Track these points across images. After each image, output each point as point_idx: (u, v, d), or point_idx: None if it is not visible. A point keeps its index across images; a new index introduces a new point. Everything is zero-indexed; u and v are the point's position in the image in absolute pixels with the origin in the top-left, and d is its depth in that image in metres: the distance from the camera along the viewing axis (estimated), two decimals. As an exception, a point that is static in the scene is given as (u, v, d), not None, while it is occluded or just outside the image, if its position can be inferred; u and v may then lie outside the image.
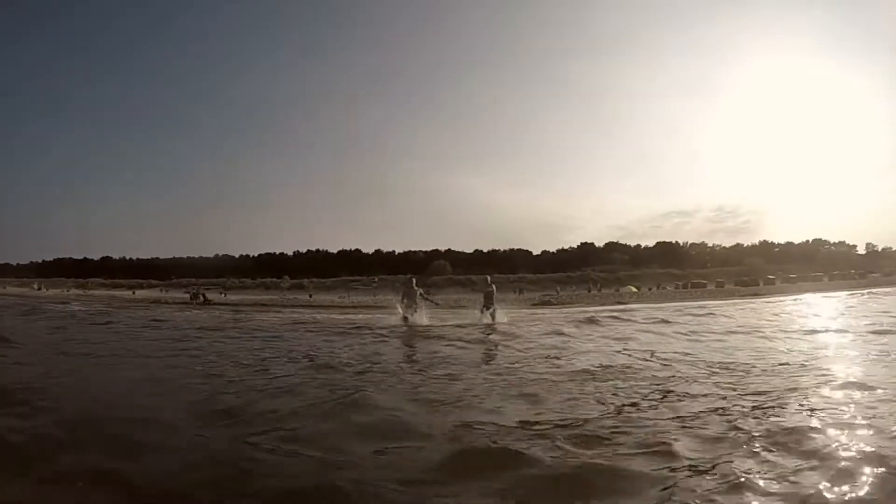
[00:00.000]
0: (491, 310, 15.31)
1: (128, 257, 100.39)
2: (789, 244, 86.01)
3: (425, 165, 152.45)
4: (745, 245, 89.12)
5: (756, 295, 35.51)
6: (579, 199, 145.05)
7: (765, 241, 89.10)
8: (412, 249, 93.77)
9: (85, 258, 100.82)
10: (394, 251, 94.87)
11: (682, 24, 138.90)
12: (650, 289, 53.45)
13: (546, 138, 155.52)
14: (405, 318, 14.20)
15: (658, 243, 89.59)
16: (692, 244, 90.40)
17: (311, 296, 53.90)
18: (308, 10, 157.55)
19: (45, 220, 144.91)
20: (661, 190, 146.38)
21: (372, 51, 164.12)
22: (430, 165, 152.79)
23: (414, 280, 15.05)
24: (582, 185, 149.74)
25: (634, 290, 50.80)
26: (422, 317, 14.31)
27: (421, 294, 15.04)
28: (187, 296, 52.46)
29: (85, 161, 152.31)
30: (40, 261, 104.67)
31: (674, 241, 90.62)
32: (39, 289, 67.31)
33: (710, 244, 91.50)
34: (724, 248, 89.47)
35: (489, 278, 16.20)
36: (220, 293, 45.99)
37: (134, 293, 59.57)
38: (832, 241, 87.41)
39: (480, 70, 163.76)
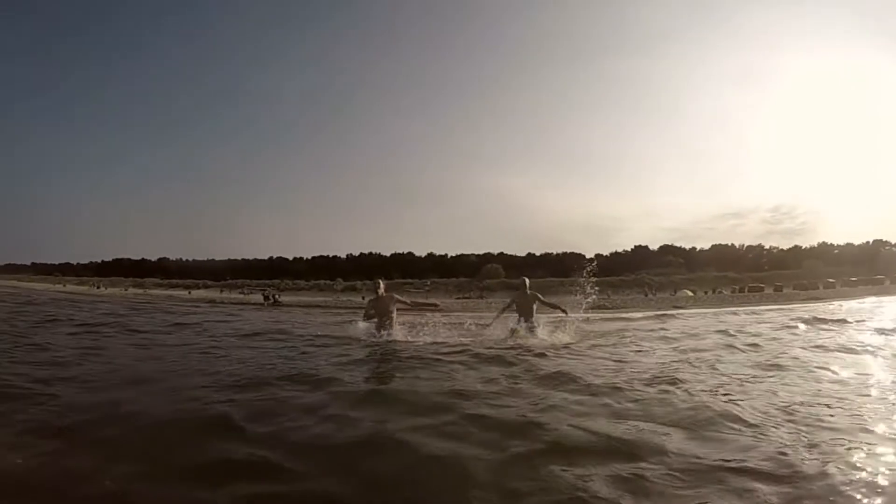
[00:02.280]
0: (529, 324, 10.35)
1: (184, 258, 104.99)
2: (849, 245, 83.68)
3: (477, 167, 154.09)
4: (803, 247, 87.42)
5: (815, 299, 35.17)
6: (631, 201, 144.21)
7: (823, 242, 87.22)
8: (464, 252, 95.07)
9: (143, 259, 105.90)
10: (446, 254, 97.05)
11: (730, 12, 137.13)
12: (706, 293, 52.74)
13: (597, 138, 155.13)
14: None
15: (713, 246, 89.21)
16: (748, 247, 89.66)
17: (363, 297, 55.48)
18: (355, 8, 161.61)
19: (104, 223, 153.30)
20: (714, 190, 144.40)
21: (421, 51, 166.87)
22: (482, 167, 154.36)
23: (381, 283, 9.77)
24: (634, 187, 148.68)
25: (690, 293, 50.39)
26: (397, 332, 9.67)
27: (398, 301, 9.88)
28: (242, 295, 55.69)
29: (150, 168, 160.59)
30: (99, 261, 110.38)
31: (729, 244, 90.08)
32: (98, 288, 71.07)
33: (766, 246, 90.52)
34: (782, 250, 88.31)
35: (528, 281, 10.93)
36: (276, 295, 48.64)
37: (190, 293, 62.01)
38: (894, 243, 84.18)
39: (530, 70, 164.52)
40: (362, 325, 9.85)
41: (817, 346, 8.65)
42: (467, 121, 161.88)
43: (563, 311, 10.78)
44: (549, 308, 10.90)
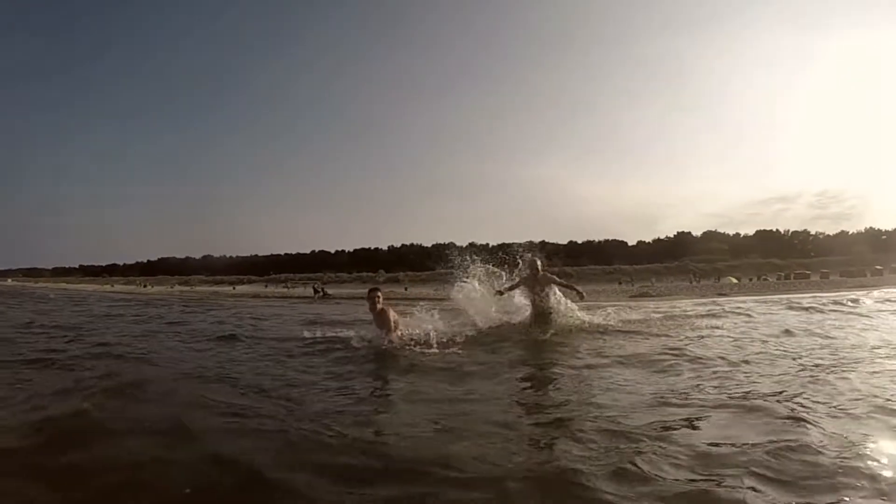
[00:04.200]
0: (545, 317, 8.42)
1: (228, 255, 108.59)
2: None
3: (516, 158, 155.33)
4: (851, 232, 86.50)
5: (862, 286, 34.23)
6: (673, 187, 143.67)
7: (871, 227, 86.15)
8: (506, 242, 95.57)
9: (187, 257, 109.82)
10: (487, 244, 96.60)
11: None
12: (751, 279, 52.78)
13: (636, 124, 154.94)
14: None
15: (758, 231, 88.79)
16: (794, 232, 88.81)
17: (406, 289, 57.09)
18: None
19: (149, 225, 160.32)
20: (758, 174, 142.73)
21: (458, 45, 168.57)
22: (521, 157, 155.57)
23: (380, 294, 7.82)
24: (675, 172, 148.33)
25: (735, 280, 50.59)
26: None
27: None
28: (286, 289, 57.74)
29: (206, 167, 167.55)
30: (145, 261, 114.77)
31: (774, 230, 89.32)
32: (145, 286, 74.20)
33: (812, 232, 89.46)
34: (828, 235, 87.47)
35: (539, 262, 8.55)
36: (324, 288, 50.03)
37: (234, 288, 64.49)
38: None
39: (565, 56, 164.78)
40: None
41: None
42: (504, 112, 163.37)
43: (578, 292, 9.00)
44: (568, 291, 9.05)
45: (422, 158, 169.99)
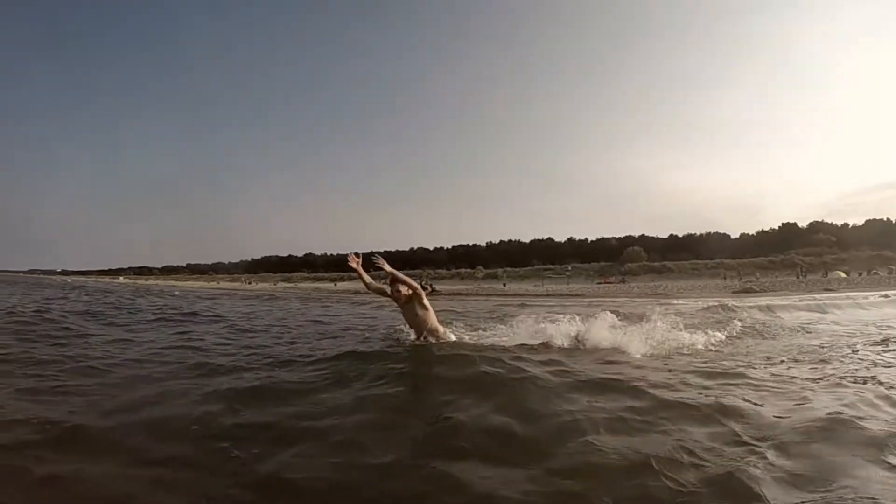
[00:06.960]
0: None
1: (328, 253, 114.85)
2: None
3: (613, 150, 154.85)
4: (971, 221, 79.89)
5: None
6: (775, 175, 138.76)
7: None
8: (605, 236, 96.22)
9: (290, 255, 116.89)
10: (586, 239, 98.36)
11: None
12: (860, 274, 51.62)
13: (732, 109, 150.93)
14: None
15: (867, 221, 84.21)
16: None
17: (504, 285, 59.77)
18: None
19: (256, 225, 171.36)
20: (866, 159, 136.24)
21: (553, 37, 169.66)
22: (618, 149, 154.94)
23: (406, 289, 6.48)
24: (777, 159, 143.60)
25: (843, 275, 49.98)
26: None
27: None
28: (385, 286, 60.87)
29: (299, 171, 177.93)
30: (249, 259, 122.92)
31: (885, 219, 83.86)
32: (249, 283, 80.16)
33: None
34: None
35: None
36: (431, 283, 52.06)
37: (335, 285, 69.00)
38: None
39: (660, 40, 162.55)
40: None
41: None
42: (600, 104, 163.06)
43: None
44: None
45: (518, 154, 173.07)
